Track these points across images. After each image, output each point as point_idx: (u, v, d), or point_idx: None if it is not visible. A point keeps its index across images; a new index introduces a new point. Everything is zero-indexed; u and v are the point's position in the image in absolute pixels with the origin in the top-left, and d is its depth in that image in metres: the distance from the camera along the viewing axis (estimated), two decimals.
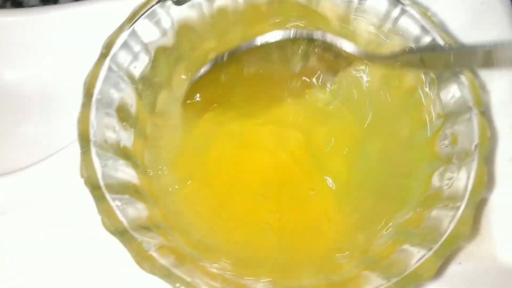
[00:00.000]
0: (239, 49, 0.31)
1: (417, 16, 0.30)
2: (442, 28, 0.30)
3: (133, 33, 0.30)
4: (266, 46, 0.31)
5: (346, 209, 0.30)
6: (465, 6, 0.37)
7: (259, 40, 0.31)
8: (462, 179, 0.26)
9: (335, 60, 0.31)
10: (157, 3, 0.30)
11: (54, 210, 0.33)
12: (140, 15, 0.30)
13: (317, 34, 0.31)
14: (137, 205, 0.27)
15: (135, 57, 0.30)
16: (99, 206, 0.25)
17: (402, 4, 0.31)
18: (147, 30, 0.30)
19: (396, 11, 0.31)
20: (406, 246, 0.26)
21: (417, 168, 0.30)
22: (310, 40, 0.31)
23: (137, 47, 0.30)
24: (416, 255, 0.25)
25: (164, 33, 0.31)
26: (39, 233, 0.33)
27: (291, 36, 0.31)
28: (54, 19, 0.38)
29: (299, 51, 0.32)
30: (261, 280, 0.26)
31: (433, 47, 0.29)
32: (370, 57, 0.31)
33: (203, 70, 0.31)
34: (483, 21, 0.37)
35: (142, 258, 0.23)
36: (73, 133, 0.33)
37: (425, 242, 0.25)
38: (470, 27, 0.36)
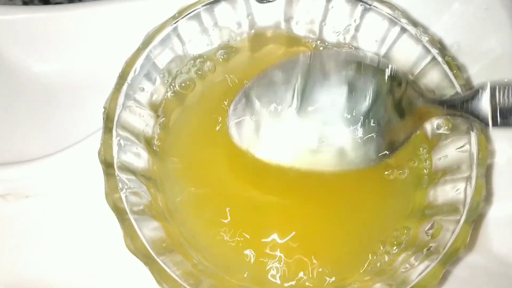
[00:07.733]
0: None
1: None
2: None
3: (175, 30, 0.31)
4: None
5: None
6: (469, 13, 0.39)
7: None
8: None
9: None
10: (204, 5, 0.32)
11: (76, 195, 0.34)
12: (183, 15, 0.31)
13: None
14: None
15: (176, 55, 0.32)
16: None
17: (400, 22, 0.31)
18: (188, 31, 0.32)
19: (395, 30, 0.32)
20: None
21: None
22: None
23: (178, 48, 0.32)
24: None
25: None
26: (61, 217, 0.34)
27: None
28: (79, 16, 0.40)
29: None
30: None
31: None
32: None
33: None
34: (487, 27, 0.38)
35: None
36: (97, 123, 0.35)
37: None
38: (474, 33, 0.38)
